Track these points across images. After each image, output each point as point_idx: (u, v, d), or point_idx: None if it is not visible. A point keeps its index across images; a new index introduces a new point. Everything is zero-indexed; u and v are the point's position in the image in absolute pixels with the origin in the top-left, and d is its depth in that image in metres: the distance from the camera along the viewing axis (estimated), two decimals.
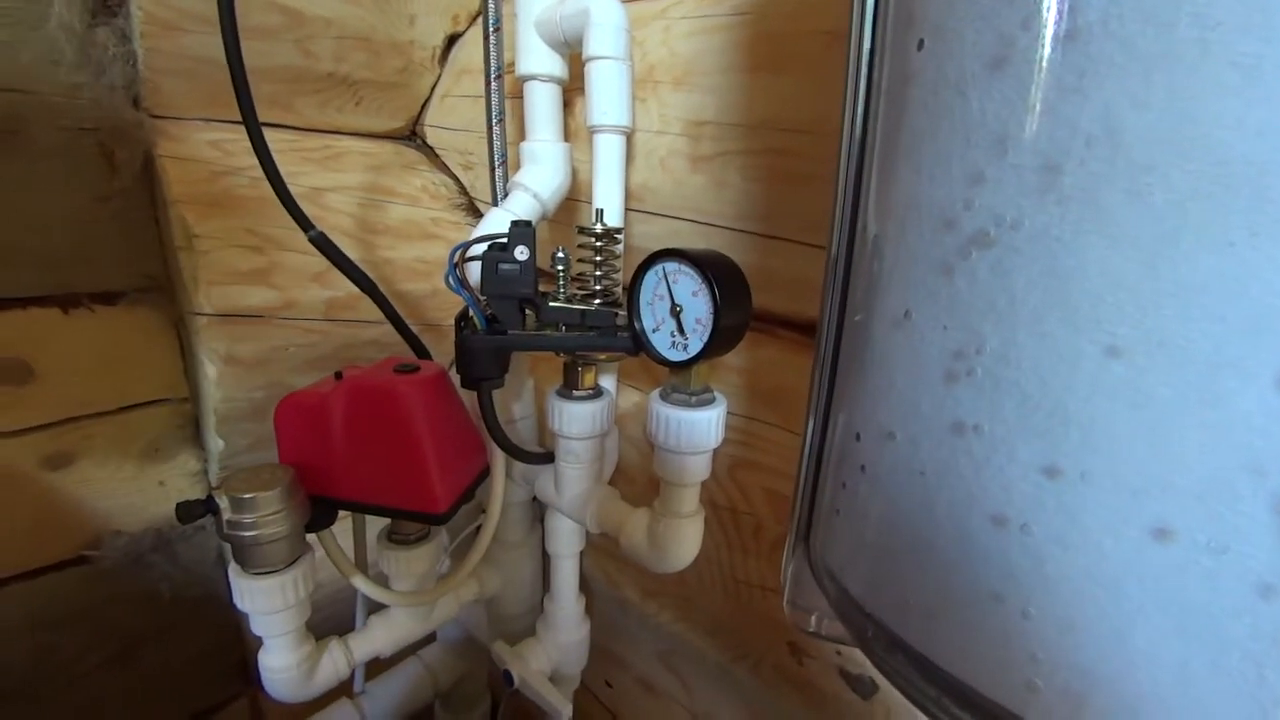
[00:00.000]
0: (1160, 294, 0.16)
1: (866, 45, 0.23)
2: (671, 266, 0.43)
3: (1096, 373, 0.17)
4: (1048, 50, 0.17)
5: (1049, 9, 0.17)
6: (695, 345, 0.43)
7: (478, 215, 0.84)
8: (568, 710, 0.60)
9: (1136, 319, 0.17)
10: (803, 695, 0.58)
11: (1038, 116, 0.18)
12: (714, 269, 0.41)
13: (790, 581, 0.32)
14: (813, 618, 0.32)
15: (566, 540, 0.63)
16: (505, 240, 0.49)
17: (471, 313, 0.50)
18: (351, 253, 0.60)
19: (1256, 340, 0.16)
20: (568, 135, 0.63)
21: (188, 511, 0.47)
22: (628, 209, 0.61)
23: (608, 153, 0.55)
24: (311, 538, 0.52)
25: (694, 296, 0.42)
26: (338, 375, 0.53)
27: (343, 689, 0.68)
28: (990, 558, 0.20)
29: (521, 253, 0.48)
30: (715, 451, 0.50)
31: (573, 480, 0.55)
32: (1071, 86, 0.17)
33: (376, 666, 0.72)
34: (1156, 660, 0.18)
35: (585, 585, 0.73)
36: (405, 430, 0.49)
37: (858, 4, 0.23)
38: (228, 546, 0.48)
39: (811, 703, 0.58)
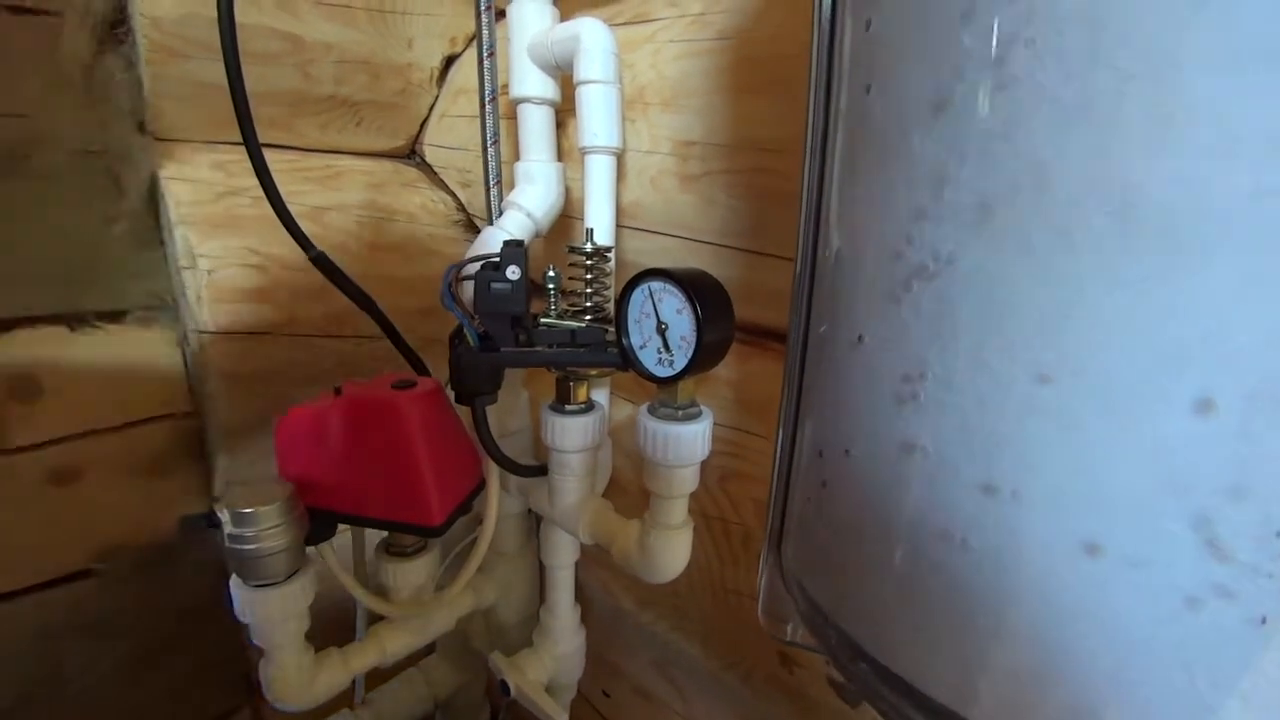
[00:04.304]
0: (1083, 326, 0.18)
1: (823, 82, 0.25)
2: (657, 285, 0.44)
3: (1028, 398, 0.19)
4: (979, 99, 0.18)
5: (978, 62, 0.18)
6: (680, 361, 0.44)
7: (475, 231, 0.85)
8: None
9: (1062, 349, 0.18)
10: (794, 703, 0.59)
11: (972, 160, 0.19)
12: (696, 287, 0.42)
13: (764, 590, 0.33)
14: (788, 626, 0.33)
15: (561, 551, 0.64)
16: (498, 259, 0.50)
17: (465, 330, 0.51)
18: (352, 270, 0.61)
19: (1173, 369, 0.17)
20: (561, 155, 0.64)
21: (190, 525, 0.48)
22: (621, 226, 0.63)
23: (598, 173, 0.56)
24: (312, 550, 0.53)
25: (679, 314, 0.43)
26: (337, 391, 0.54)
27: (343, 699, 0.70)
28: (938, 571, 0.21)
29: (513, 272, 0.49)
30: (705, 463, 0.51)
31: (566, 492, 0.56)
32: (1000, 133, 0.18)
33: (376, 677, 0.73)
34: (1093, 667, 0.19)
35: (581, 595, 0.74)
36: (401, 445, 0.50)
37: (815, 48, 0.24)
38: None
39: (803, 711, 0.59)
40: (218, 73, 0.51)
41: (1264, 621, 0.17)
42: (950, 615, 0.21)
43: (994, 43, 0.18)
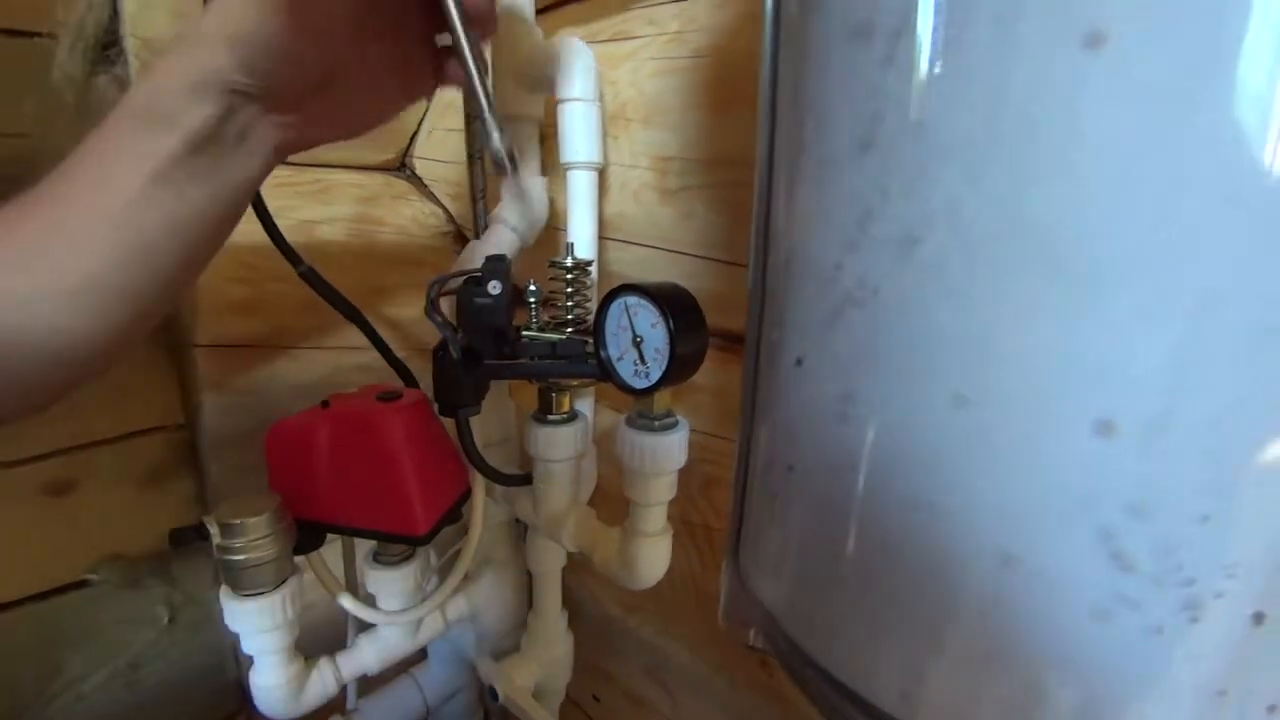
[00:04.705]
0: (995, 351, 0.19)
1: (769, 111, 0.26)
2: (631, 300, 0.45)
3: (947, 419, 0.20)
4: (900, 138, 0.20)
5: (899, 103, 0.19)
6: (655, 373, 0.45)
7: (465, 242, 0.86)
8: None
9: (977, 373, 0.19)
10: (776, 707, 0.60)
11: (895, 196, 0.20)
12: (669, 302, 0.43)
13: (725, 595, 0.34)
14: (751, 631, 0.34)
15: (547, 558, 0.66)
16: (480, 274, 0.51)
17: (448, 343, 0.52)
18: (343, 282, 0.62)
19: (1075, 392, 0.18)
20: (545, 169, 0.66)
21: (180, 537, 0.50)
22: (605, 238, 0.64)
23: (579, 188, 0.58)
24: (302, 560, 0.55)
25: (653, 328, 0.44)
26: (324, 404, 0.56)
27: (336, 707, 0.71)
28: (873, 581, 0.22)
29: (494, 287, 0.50)
30: (689, 470, 0.52)
31: (550, 501, 0.57)
32: (919, 171, 0.19)
33: (370, 685, 0.74)
34: (1021, 676, 0.20)
35: (570, 601, 0.76)
36: (385, 456, 0.52)
37: (763, 78, 0.26)
38: None
39: (787, 713, 0.60)
40: None
41: (1160, 631, 0.18)
42: (879, 622, 0.22)
43: (912, 86, 0.19)
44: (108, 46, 0.62)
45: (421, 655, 0.82)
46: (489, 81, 0.35)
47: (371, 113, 0.41)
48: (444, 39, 0.37)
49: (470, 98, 0.35)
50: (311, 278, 0.59)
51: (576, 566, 0.77)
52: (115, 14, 0.61)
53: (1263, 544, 0.17)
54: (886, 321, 0.20)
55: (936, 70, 0.18)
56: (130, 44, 0.62)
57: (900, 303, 0.20)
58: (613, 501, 0.70)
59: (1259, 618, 0.18)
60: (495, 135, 0.35)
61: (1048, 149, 0.17)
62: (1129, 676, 0.19)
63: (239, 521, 0.48)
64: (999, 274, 0.18)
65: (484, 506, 0.60)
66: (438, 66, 0.40)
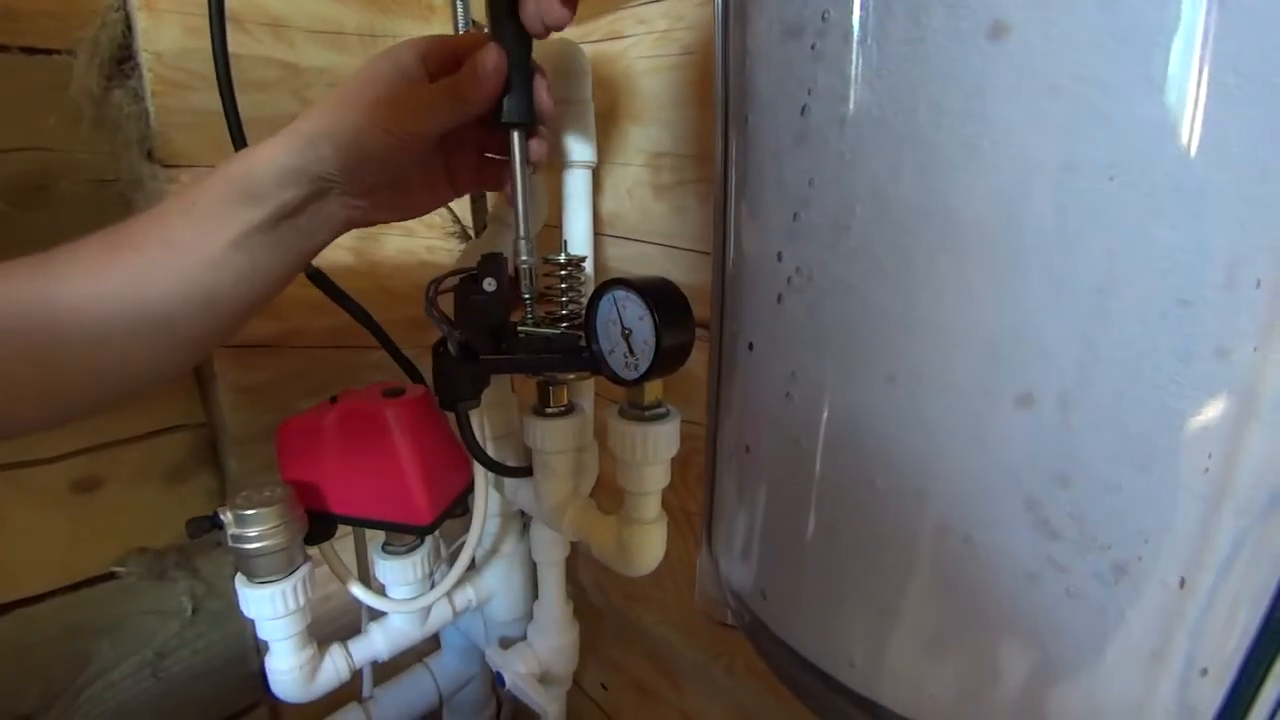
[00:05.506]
0: (920, 331, 0.20)
1: (723, 107, 0.27)
2: (620, 294, 0.46)
3: (880, 397, 0.21)
4: (827, 129, 0.21)
5: (824, 95, 0.20)
6: (643, 365, 0.46)
7: (469, 240, 0.88)
8: (554, 710, 0.64)
9: (902, 352, 0.20)
10: (773, 690, 0.61)
11: (826, 185, 0.21)
12: (654, 295, 0.44)
13: (700, 575, 0.35)
14: (729, 612, 0.35)
15: (550, 548, 0.67)
16: (477, 272, 0.53)
17: (447, 340, 0.54)
18: (352, 283, 0.64)
19: (996, 368, 0.19)
20: (541, 168, 0.67)
21: (196, 527, 0.52)
22: (601, 234, 0.66)
23: (574, 187, 0.59)
24: (316, 553, 0.57)
25: (640, 321, 0.46)
26: (332, 399, 0.58)
27: (352, 694, 0.73)
28: (825, 556, 0.23)
29: (489, 284, 0.52)
30: (685, 460, 0.53)
31: (549, 493, 0.59)
32: (847, 161, 0.20)
33: (386, 673, 0.76)
34: (958, 644, 0.21)
35: (578, 591, 0.77)
36: (390, 449, 0.54)
37: (717, 76, 0.27)
38: None
39: (783, 697, 0.61)
40: (219, 101, 0.55)
41: (1087, 596, 0.19)
42: (844, 600, 0.23)
43: (836, 79, 0.20)
44: (122, 61, 0.65)
45: (435, 644, 0.85)
46: (530, 209, 0.45)
47: (426, 203, 0.49)
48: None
49: (514, 218, 0.45)
50: (319, 280, 0.62)
51: (581, 556, 0.78)
52: (129, 30, 0.64)
53: (1177, 512, 0.18)
54: (821, 305, 0.21)
55: (857, 63, 0.19)
56: (144, 58, 0.65)
57: (832, 287, 0.21)
58: (615, 493, 0.71)
59: (1182, 583, 0.19)
60: (525, 255, 0.47)
61: (958, 136, 0.18)
62: (1064, 641, 0.20)
63: (251, 512, 0.50)
64: (919, 257, 0.19)
65: (487, 498, 0.62)
66: (482, 171, 0.48)
